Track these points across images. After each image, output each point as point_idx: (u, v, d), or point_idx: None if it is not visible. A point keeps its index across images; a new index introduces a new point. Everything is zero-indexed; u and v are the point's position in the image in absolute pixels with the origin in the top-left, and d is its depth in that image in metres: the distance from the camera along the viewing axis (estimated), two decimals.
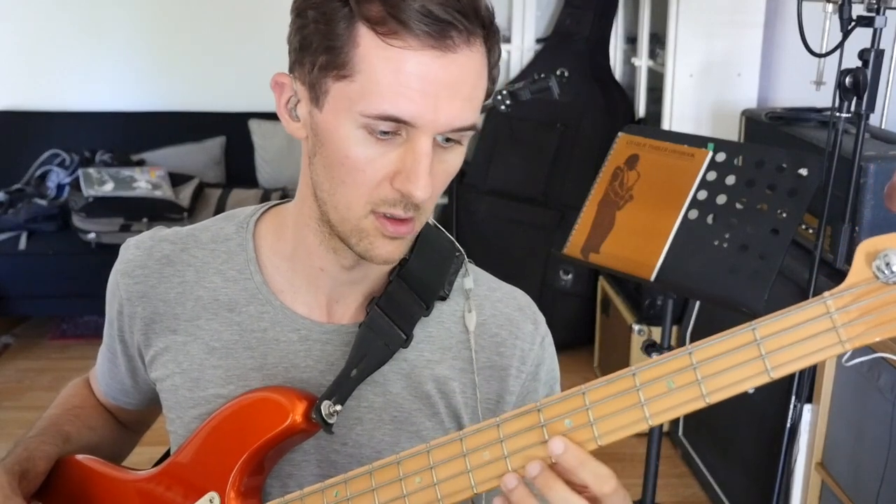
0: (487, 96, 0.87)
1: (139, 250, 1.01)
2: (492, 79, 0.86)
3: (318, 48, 0.81)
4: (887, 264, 0.67)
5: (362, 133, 0.81)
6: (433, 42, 0.77)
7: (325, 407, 0.90)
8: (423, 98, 0.78)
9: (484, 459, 0.78)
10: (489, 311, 1.00)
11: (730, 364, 0.71)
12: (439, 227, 1.02)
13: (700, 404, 0.72)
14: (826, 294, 0.69)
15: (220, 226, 1.02)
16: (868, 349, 1.82)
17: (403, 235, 0.86)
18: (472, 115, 0.82)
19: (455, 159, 0.85)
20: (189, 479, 0.95)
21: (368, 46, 0.78)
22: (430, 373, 0.97)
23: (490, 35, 0.83)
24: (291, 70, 0.86)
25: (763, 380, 0.70)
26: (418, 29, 0.77)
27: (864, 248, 0.69)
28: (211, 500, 0.93)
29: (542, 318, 1.03)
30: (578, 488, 0.75)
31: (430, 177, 0.81)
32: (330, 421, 0.91)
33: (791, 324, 0.69)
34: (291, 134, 0.89)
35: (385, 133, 0.80)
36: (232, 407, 0.94)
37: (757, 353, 0.70)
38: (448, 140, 0.83)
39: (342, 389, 0.92)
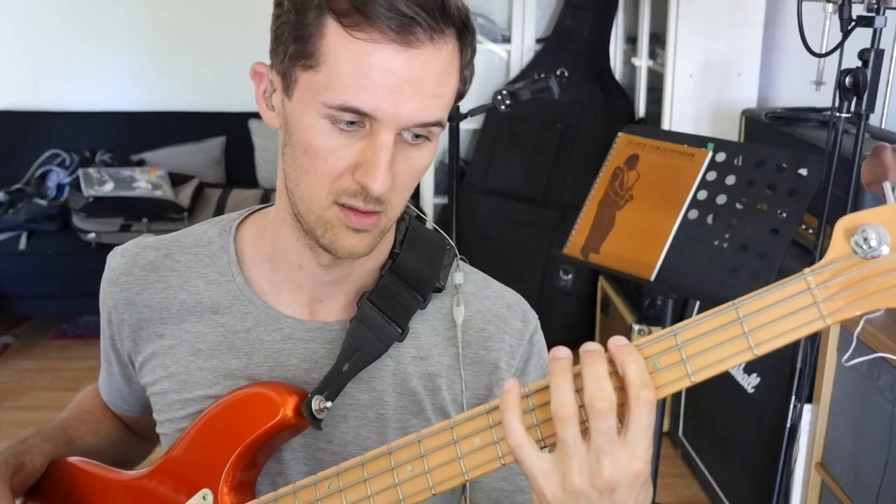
0: (460, 97, 0.87)
1: (124, 258, 1.02)
2: (463, 79, 0.86)
3: (289, 38, 0.82)
4: (865, 239, 0.67)
5: (326, 123, 0.81)
6: (396, 37, 0.78)
7: (316, 402, 0.91)
8: (384, 91, 0.79)
9: (474, 446, 0.78)
10: (476, 308, 0.99)
11: (714, 343, 0.71)
12: (436, 226, 1.02)
13: (686, 383, 0.72)
14: (806, 270, 0.69)
15: (203, 230, 1.03)
16: (868, 349, 1.82)
17: (367, 228, 0.86)
18: (436, 111, 0.82)
19: (423, 157, 0.85)
20: (182, 476, 0.95)
21: (334, 38, 0.79)
22: (416, 369, 0.97)
23: (462, 35, 0.83)
24: (271, 60, 0.87)
25: (747, 357, 0.71)
26: (382, 23, 0.78)
27: (842, 223, 0.69)
28: (204, 497, 0.93)
29: (533, 317, 1.02)
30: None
31: (388, 170, 0.81)
32: (319, 416, 0.91)
33: (773, 301, 0.70)
34: (267, 123, 0.90)
35: (350, 124, 0.81)
36: (223, 403, 0.94)
37: (740, 330, 0.71)
38: (417, 136, 0.83)
39: (333, 384, 0.92)
